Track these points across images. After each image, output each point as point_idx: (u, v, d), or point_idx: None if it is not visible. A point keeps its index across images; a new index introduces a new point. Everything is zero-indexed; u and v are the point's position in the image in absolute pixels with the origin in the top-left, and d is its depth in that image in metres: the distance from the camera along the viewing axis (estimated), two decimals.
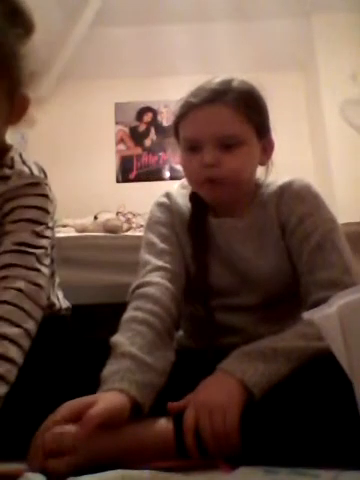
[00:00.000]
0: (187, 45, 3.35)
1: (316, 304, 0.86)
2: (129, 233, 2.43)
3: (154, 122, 3.96)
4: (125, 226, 2.58)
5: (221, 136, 0.92)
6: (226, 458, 0.68)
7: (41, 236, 0.88)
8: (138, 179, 3.85)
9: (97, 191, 3.49)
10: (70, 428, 0.68)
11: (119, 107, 3.96)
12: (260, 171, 1.03)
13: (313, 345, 0.77)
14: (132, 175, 3.89)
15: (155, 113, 3.96)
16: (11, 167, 0.90)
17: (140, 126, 3.98)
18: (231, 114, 0.92)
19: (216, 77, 0.96)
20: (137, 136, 3.96)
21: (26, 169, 0.91)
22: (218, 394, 0.72)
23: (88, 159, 3.68)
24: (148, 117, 3.97)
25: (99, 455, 0.68)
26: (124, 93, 3.85)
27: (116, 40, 3.43)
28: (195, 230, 1.01)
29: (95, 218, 2.64)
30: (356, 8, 3.32)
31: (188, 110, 0.95)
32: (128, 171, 3.89)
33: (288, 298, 0.99)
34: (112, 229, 2.38)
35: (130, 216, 2.80)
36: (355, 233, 1.83)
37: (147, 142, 3.95)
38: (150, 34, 3.43)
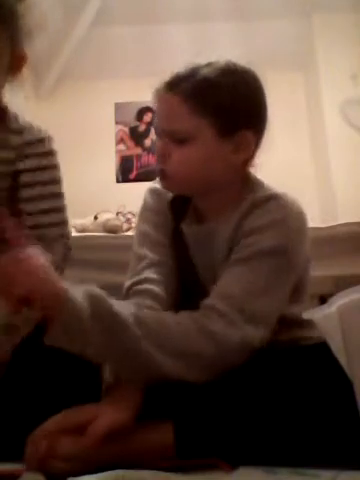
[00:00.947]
0: (187, 45, 3.35)
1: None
2: (129, 233, 2.43)
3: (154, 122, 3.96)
4: (125, 226, 2.58)
5: (167, 129, 0.86)
6: (226, 458, 0.68)
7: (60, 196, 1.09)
8: (138, 179, 3.84)
9: (97, 191, 3.48)
10: (66, 440, 0.67)
11: (119, 107, 3.95)
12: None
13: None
14: (132, 175, 3.89)
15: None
16: (18, 122, 0.97)
17: (140, 126, 3.97)
18: (179, 106, 0.82)
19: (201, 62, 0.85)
20: (137, 136, 3.96)
21: (30, 124, 0.99)
22: None
23: (88, 159, 3.67)
24: (148, 117, 3.96)
25: (100, 458, 0.68)
26: (124, 93, 3.83)
27: (116, 40, 3.43)
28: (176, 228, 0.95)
29: (95, 218, 2.63)
30: (356, 8, 3.32)
31: (154, 96, 0.88)
32: (128, 171, 3.89)
33: None
34: (112, 229, 2.38)
35: (130, 216, 2.80)
36: (355, 233, 1.83)
37: (147, 142, 3.94)
38: (150, 34, 3.43)
